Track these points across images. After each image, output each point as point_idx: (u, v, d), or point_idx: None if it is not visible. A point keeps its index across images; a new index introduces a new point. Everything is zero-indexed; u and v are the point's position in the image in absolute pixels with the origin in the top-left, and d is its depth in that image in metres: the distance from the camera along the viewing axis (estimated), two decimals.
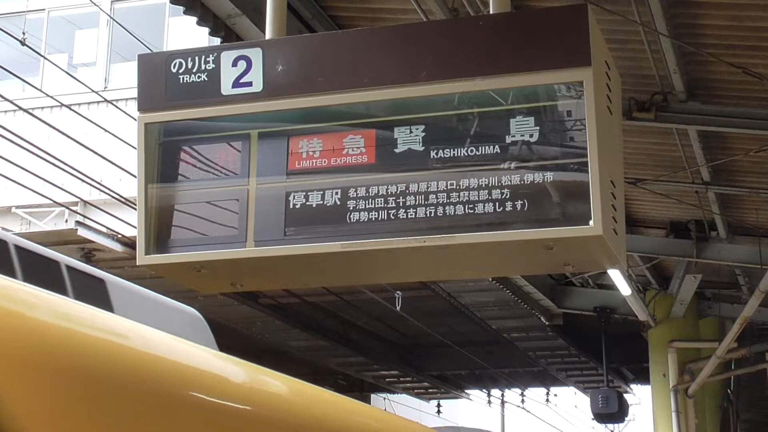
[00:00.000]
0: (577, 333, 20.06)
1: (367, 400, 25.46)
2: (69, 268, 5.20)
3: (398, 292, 15.97)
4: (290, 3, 7.02)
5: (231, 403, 3.98)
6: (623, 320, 17.45)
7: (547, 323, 18.47)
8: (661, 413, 16.77)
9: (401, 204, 3.98)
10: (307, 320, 18.48)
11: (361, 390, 25.02)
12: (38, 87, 14.03)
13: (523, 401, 29.83)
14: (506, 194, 3.89)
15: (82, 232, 14.24)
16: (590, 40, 3.88)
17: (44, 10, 18.59)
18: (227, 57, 4.28)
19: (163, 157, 4.30)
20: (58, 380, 2.95)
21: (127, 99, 15.51)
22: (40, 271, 5.02)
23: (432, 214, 3.95)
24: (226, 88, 4.25)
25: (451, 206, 3.93)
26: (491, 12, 4.37)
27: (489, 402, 29.25)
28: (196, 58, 4.31)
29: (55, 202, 12.87)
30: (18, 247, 5.07)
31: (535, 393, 29.58)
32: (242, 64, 4.25)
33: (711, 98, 9.45)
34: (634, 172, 11.16)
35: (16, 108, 13.22)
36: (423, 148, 4.02)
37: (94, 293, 5.13)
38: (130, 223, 13.00)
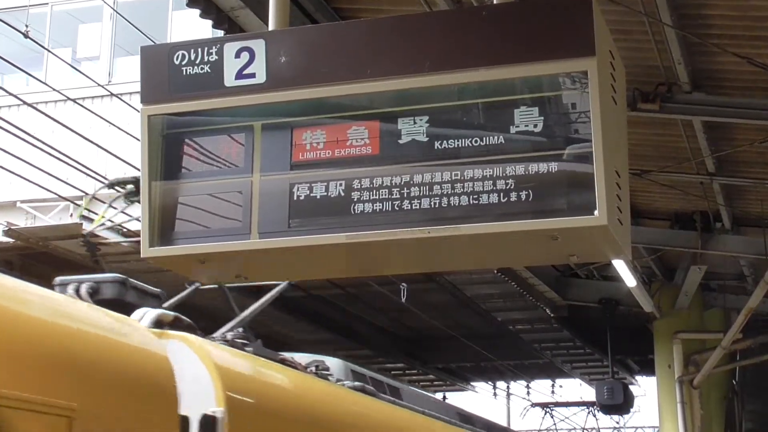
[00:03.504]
0: (582, 325, 20.06)
1: None
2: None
3: (403, 284, 15.96)
4: None
5: None
6: (628, 312, 17.45)
7: (552, 315, 18.47)
8: (666, 404, 16.79)
9: (405, 195, 3.97)
10: (312, 313, 18.49)
11: None
12: (42, 81, 14.03)
13: (528, 393, 29.85)
14: (511, 185, 3.87)
15: (87, 226, 14.22)
16: (594, 30, 3.87)
17: (47, 4, 18.58)
18: (230, 48, 4.27)
19: (167, 149, 4.29)
20: None
21: (131, 93, 15.49)
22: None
23: (436, 205, 3.93)
24: (229, 79, 4.24)
25: (456, 197, 3.92)
26: (494, 2, 4.36)
27: (494, 394, 29.29)
28: (199, 49, 4.29)
29: (59, 196, 12.88)
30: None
31: (541, 385, 29.61)
32: (245, 56, 4.24)
33: (716, 89, 9.44)
34: (638, 163, 11.15)
35: (21, 102, 13.23)
36: (427, 138, 4.00)
37: None
38: (135, 217, 12.98)
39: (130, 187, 10.45)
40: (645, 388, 30.82)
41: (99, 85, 13.90)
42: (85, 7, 18.66)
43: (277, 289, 8.34)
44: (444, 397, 29.91)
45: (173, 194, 4.25)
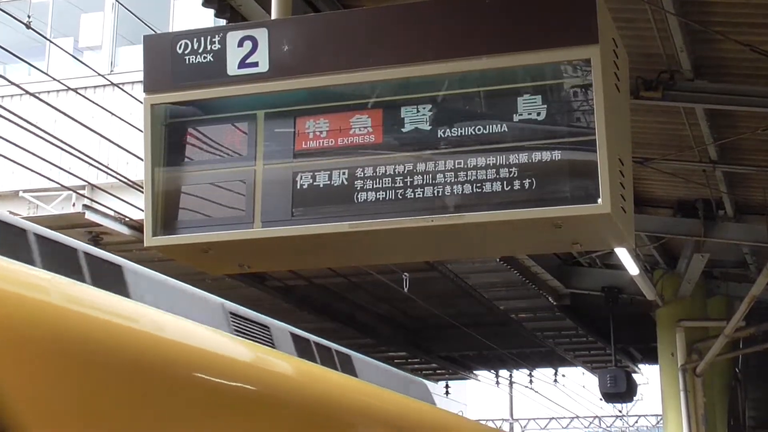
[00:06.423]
0: (585, 313, 20.05)
1: None
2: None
3: (406, 273, 15.96)
4: None
5: None
6: (631, 300, 17.43)
7: (554, 303, 18.46)
8: (669, 392, 16.79)
9: (409, 183, 3.97)
10: (315, 302, 18.50)
11: None
12: (44, 71, 14.03)
13: (531, 382, 29.87)
14: (514, 173, 3.88)
15: (90, 216, 14.25)
16: (597, 17, 3.87)
17: None
18: (233, 37, 4.27)
19: (170, 138, 4.29)
20: None
21: (133, 82, 15.49)
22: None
23: (439, 194, 3.94)
24: (232, 68, 4.24)
25: (459, 185, 3.92)
26: None
27: (497, 383, 29.30)
28: (202, 38, 4.29)
29: (62, 186, 12.88)
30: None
31: (544, 373, 29.62)
32: (248, 45, 4.24)
33: (718, 76, 9.43)
34: (641, 151, 11.14)
35: (23, 92, 13.23)
36: (430, 127, 4.00)
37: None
38: (138, 207, 13.01)
39: None
40: (648, 376, 30.86)
41: (100, 75, 13.89)
42: None
43: None
44: (447, 386, 29.95)
45: (176, 183, 4.25)
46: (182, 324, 5.27)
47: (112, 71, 17.23)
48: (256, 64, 4.22)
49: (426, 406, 7.63)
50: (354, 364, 7.48)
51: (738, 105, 9.58)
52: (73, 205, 14.96)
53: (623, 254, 13.66)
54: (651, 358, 21.94)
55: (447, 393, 29.81)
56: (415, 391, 8.23)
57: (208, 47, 4.28)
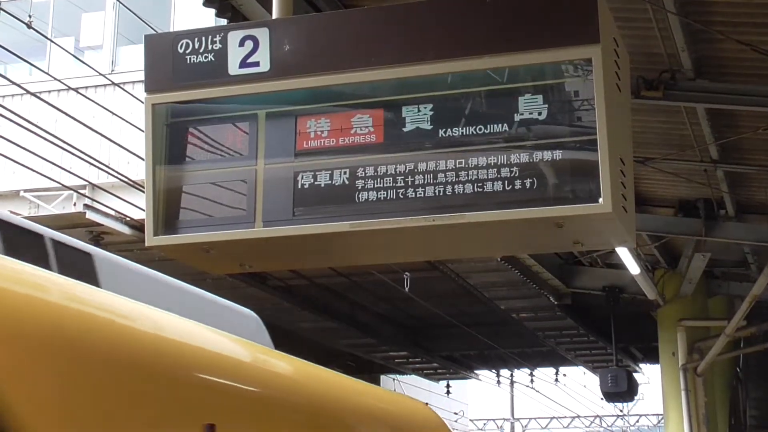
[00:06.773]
0: (586, 312, 20.06)
1: (377, 381, 25.52)
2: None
3: (407, 273, 15.96)
4: None
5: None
6: (632, 299, 17.44)
7: (555, 303, 18.46)
8: (670, 392, 16.79)
9: (410, 183, 3.97)
10: (316, 302, 18.50)
11: (370, 371, 25.06)
12: (45, 70, 14.03)
13: (532, 381, 29.91)
14: (515, 172, 3.88)
15: (91, 216, 14.25)
16: (598, 17, 3.87)
17: None
18: (234, 37, 4.27)
19: (171, 138, 4.29)
20: None
21: (134, 82, 15.50)
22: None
23: (441, 193, 3.94)
24: (234, 68, 4.24)
25: (460, 185, 3.92)
26: None
27: (498, 382, 29.32)
28: (203, 38, 4.30)
29: (63, 185, 12.88)
30: None
31: (545, 373, 29.65)
32: (249, 44, 4.24)
33: (719, 76, 9.43)
34: (642, 150, 11.14)
35: (24, 92, 13.23)
36: (431, 126, 4.00)
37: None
38: (139, 206, 13.01)
39: None
40: (649, 375, 30.91)
41: (101, 74, 13.89)
42: None
43: None
44: (448, 385, 29.97)
45: (177, 183, 4.25)
46: None
47: (113, 71, 17.24)
48: (257, 64, 4.22)
49: (240, 341, 5.10)
50: (97, 266, 4.85)
51: (739, 104, 9.59)
52: (74, 204, 14.97)
53: (624, 254, 13.67)
54: (652, 357, 21.95)
55: (448, 392, 29.83)
56: (231, 324, 5.55)
57: (209, 47, 4.28)
